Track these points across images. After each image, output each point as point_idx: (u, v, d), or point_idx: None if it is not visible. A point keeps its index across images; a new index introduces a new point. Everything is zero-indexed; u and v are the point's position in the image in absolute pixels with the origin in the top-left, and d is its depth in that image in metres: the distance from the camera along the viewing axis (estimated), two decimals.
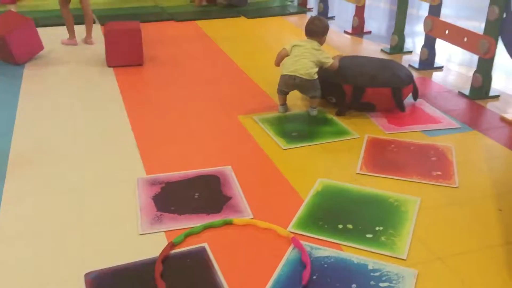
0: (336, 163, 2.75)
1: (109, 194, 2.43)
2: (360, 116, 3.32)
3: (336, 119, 3.27)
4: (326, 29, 3.32)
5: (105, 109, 3.42)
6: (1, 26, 4.18)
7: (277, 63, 3.34)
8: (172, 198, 2.40)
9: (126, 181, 2.53)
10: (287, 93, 3.36)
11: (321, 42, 3.30)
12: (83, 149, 2.87)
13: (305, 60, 3.16)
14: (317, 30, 3.27)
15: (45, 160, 2.75)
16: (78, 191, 2.45)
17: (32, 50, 4.32)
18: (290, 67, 3.19)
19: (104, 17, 5.53)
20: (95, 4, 6.22)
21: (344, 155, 2.83)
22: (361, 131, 3.11)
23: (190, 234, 2.12)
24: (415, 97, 3.55)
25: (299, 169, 2.69)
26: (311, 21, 3.33)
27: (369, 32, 5.49)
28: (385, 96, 3.31)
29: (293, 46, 3.24)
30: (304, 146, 2.93)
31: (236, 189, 2.47)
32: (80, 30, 4.89)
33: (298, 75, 3.15)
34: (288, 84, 3.24)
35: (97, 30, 5.23)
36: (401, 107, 3.35)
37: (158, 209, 2.31)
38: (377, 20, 6.26)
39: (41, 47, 4.40)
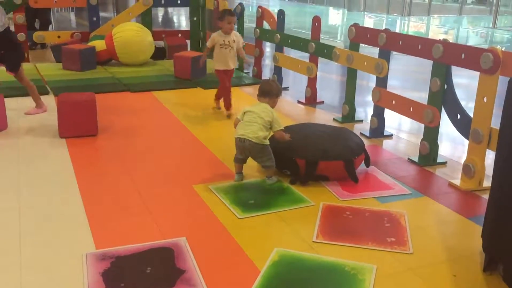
0: (292, 232, 2.73)
1: (55, 272, 2.30)
2: (315, 184, 3.35)
3: (291, 187, 3.29)
4: (279, 91, 3.47)
5: (55, 181, 3.31)
6: None
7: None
8: (122, 273, 2.29)
9: (73, 257, 2.41)
10: (244, 161, 3.39)
11: (273, 105, 3.40)
12: (29, 224, 2.74)
13: (255, 124, 3.23)
14: (270, 91, 3.40)
15: None
16: (20, 269, 2.30)
17: None
18: (239, 130, 3.27)
19: (58, 88, 5.50)
20: (50, 76, 6.21)
21: (300, 223, 2.83)
22: (316, 198, 3.13)
23: None
24: (367, 164, 3.64)
25: (255, 238, 2.65)
26: (266, 82, 3.56)
27: (322, 102, 5.69)
28: (338, 168, 3.36)
29: (244, 112, 3.34)
30: (260, 215, 2.91)
31: (190, 261, 2.39)
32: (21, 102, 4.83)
33: (247, 138, 3.20)
34: (239, 147, 3.28)
35: (51, 101, 5.18)
36: (354, 178, 3.38)
37: (107, 286, 2.19)
38: (329, 91, 6.51)
39: (5, 126, 4.28)
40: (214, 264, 2.40)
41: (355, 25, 4.72)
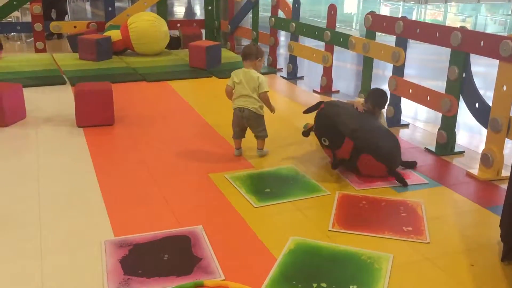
0: (308, 221, 2.73)
1: (74, 258, 2.34)
2: (331, 173, 3.35)
3: (307, 176, 3.29)
4: (259, 53, 3.55)
5: (73, 170, 3.35)
6: None
7: (228, 97, 3.60)
8: (140, 260, 2.32)
9: (92, 244, 2.44)
10: (242, 135, 3.57)
11: (257, 67, 3.53)
12: (49, 212, 2.78)
13: (251, 98, 3.43)
14: (250, 53, 3.50)
15: (9, 225, 2.64)
16: (41, 256, 2.35)
17: (18, 115, 4.26)
18: (238, 102, 3.47)
19: (75, 78, 5.55)
20: (66, 66, 6.26)
21: (316, 212, 2.83)
22: (332, 188, 3.12)
23: None
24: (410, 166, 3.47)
25: (271, 227, 2.66)
26: (247, 45, 3.61)
27: (337, 91, 5.65)
28: (379, 168, 3.23)
29: (234, 82, 3.48)
30: (276, 204, 2.91)
31: (207, 249, 2.41)
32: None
33: (247, 107, 3.43)
34: (238, 117, 3.48)
35: (68, 90, 5.23)
36: (402, 182, 3.19)
37: (125, 272, 2.22)
38: (345, 80, 6.47)
39: (24, 115, 4.34)
40: (231, 252, 2.42)
41: (372, 13, 4.67)
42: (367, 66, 4.81)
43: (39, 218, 2.70)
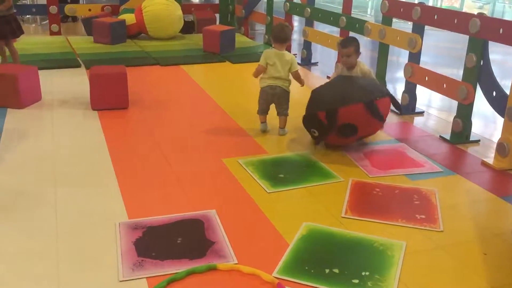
0: (321, 207, 2.73)
1: (89, 239, 2.37)
2: (344, 160, 3.34)
3: (320, 162, 3.28)
4: (291, 35, 3.78)
5: (88, 153, 3.38)
6: (9, 69, 4.23)
7: (256, 76, 3.73)
8: (154, 243, 2.35)
9: (106, 226, 2.48)
10: (267, 111, 3.72)
11: (288, 47, 3.67)
12: (63, 193, 2.82)
13: (282, 78, 3.62)
14: (286, 38, 3.67)
15: (24, 204, 2.68)
16: (56, 236, 2.38)
17: (34, 97, 4.31)
18: (269, 81, 3.62)
19: (90, 61, 5.57)
20: (81, 49, 6.29)
21: (329, 198, 2.83)
22: (346, 174, 3.12)
23: (172, 280, 2.06)
24: (398, 108, 3.63)
25: (284, 212, 2.67)
26: (281, 29, 3.68)
27: None
28: (360, 113, 3.24)
29: (267, 64, 3.61)
30: (289, 189, 2.92)
31: (220, 233, 2.43)
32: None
33: (278, 85, 3.60)
34: (269, 94, 3.63)
35: (82, 73, 5.26)
36: (379, 117, 3.28)
37: (139, 254, 2.25)
38: None
39: (39, 97, 4.38)
40: (243, 236, 2.43)
41: None
42: (382, 52, 4.76)
43: (55, 199, 2.73)
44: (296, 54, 6.64)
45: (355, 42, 3.59)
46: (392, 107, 3.60)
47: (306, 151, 3.45)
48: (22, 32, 5.03)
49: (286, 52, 3.64)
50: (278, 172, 3.13)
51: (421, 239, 2.45)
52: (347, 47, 3.56)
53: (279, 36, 3.62)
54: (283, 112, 3.70)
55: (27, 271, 2.13)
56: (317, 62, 6.29)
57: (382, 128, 3.67)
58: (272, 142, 3.62)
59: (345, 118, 3.25)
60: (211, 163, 3.27)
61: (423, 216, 2.65)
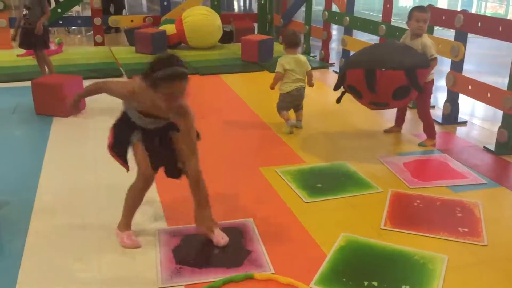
0: (359, 218, 2.70)
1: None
2: (383, 170, 3.29)
3: (359, 173, 3.24)
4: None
5: (128, 161, 3.45)
6: (56, 79, 4.38)
7: (273, 86, 4.01)
8: (192, 251, 2.37)
9: (146, 233, 2.52)
10: (290, 108, 3.99)
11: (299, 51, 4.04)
12: (105, 200, 2.89)
13: (301, 80, 3.93)
14: (298, 42, 3.96)
15: (68, 210, 2.77)
16: (98, 243, 2.45)
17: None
18: (294, 84, 3.90)
19: (132, 71, 5.71)
20: (123, 59, 6.46)
21: (368, 209, 2.78)
22: (385, 185, 3.06)
23: None
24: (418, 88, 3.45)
25: (322, 223, 2.65)
26: (293, 34, 3.97)
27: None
28: (399, 79, 3.26)
29: (286, 69, 3.88)
30: (326, 199, 2.89)
31: (257, 242, 2.43)
32: None
33: (302, 86, 3.93)
34: (296, 96, 3.92)
35: None
36: (418, 88, 3.31)
37: (177, 262, 2.28)
38: None
39: (83, 106, 4.52)
40: (281, 246, 2.43)
41: (430, 6, 4.52)
42: None
43: (96, 206, 2.81)
44: (334, 63, 6.60)
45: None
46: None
47: (343, 161, 3.41)
48: (48, 47, 5.21)
49: (300, 54, 3.94)
50: (316, 182, 3.11)
51: (464, 253, 2.37)
52: (427, 12, 3.55)
53: (293, 42, 3.88)
54: (301, 107, 4.06)
55: (71, 274, 2.19)
56: None
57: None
58: (310, 152, 3.60)
59: (383, 80, 3.27)
60: (249, 172, 3.28)
61: (466, 229, 2.57)
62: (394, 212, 2.75)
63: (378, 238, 2.48)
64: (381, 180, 3.13)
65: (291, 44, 3.87)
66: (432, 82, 3.68)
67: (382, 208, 2.78)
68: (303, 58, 3.93)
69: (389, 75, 3.26)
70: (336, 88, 3.68)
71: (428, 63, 3.44)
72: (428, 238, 2.49)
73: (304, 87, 3.96)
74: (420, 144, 3.74)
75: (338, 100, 3.71)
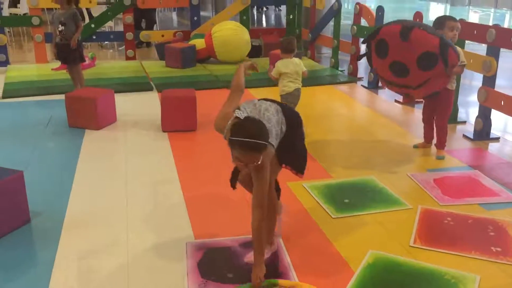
0: (388, 235, 2.66)
1: (158, 258, 2.44)
2: (412, 186, 3.24)
3: (387, 188, 3.20)
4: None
5: (157, 173, 3.51)
6: (89, 93, 4.51)
7: (274, 79, 4.32)
8: (216, 265, 2.38)
9: (174, 245, 2.54)
10: None
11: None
12: (135, 212, 2.93)
13: (298, 80, 4.20)
14: (294, 49, 4.20)
15: (97, 222, 2.82)
16: (127, 254, 2.48)
17: (110, 119, 4.55)
18: (293, 85, 4.16)
19: (162, 85, 5.81)
20: (154, 73, 6.58)
21: (397, 226, 2.74)
22: (414, 201, 3.02)
23: None
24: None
25: (349, 239, 2.62)
26: (290, 41, 4.21)
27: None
28: (431, 42, 3.27)
29: (282, 73, 4.16)
30: (354, 215, 2.86)
31: (284, 257, 2.42)
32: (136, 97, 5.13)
33: (300, 87, 4.20)
34: (296, 95, 4.17)
35: (154, 96, 5.49)
36: (445, 61, 3.31)
37: (202, 275, 2.29)
38: None
39: (115, 119, 4.62)
40: (307, 261, 2.41)
41: (461, 20, 4.46)
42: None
43: (126, 218, 2.85)
44: (362, 78, 6.57)
45: None
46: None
47: (371, 176, 3.38)
48: (83, 60, 5.32)
49: (294, 58, 4.23)
50: (343, 197, 3.09)
51: (497, 273, 2.31)
52: (458, 21, 3.64)
53: (288, 48, 4.20)
54: (295, 105, 4.26)
55: (100, 285, 2.22)
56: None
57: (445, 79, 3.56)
58: (337, 166, 3.58)
59: (417, 37, 3.29)
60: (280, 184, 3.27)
61: (499, 249, 2.50)
62: (423, 229, 2.70)
63: (407, 256, 2.44)
64: (410, 197, 3.09)
65: (286, 50, 4.22)
66: (453, 91, 3.68)
67: (411, 225, 2.74)
68: (297, 61, 4.23)
69: (424, 35, 3.30)
70: (365, 41, 3.69)
71: (459, 57, 3.44)
72: (459, 257, 2.44)
73: (300, 89, 4.22)
74: (438, 158, 3.71)
75: (359, 58, 3.89)
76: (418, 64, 3.35)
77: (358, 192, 3.18)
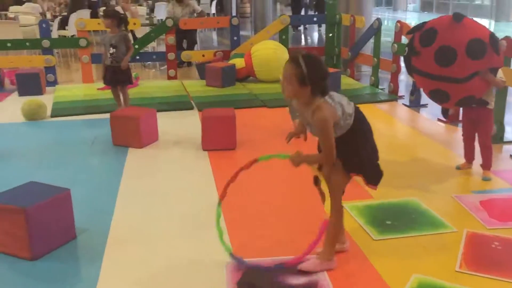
0: (432, 259, 2.58)
1: (198, 278, 2.46)
2: (457, 208, 3.15)
3: (431, 210, 3.12)
4: None
5: (198, 191, 3.55)
6: (132, 112, 4.65)
7: None
8: (257, 285, 2.38)
9: (214, 266, 2.56)
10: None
11: None
12: (176, 230, 2.97)
13: None
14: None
15: (141, 239, 2.87)
16: (168, 272, 2.51)
17: (152, 138, 4.66)
18: None
19: (202, 104, 5.91)
20: (194, 92, 6.70)
21: (441, 250, 2.67)
22: (459, 225, 2.93)
23: None
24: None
25: (392, 262, 2.56)
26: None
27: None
28: (482, 31, 3.35)
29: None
30: (397, 238, 2.80)
31: (325, 281, 2.39)
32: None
33: None
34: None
35: (195, 115, 5.58)
36: (496, 49, 3.36)
37: None
38: None
39: (157, 138, 4.73)
40: (349, 285, 2.37)
41: (507, 38, 4.35)
42: (501, 94, 4.47)
43: (167, 235, 2.89)
44: (403, 96, 6.48)
45: None
46: None
47: (414, 197, 3.31)
48: (132, 83, 5.45)
49: None
50: (385, 219, 3.03)
51: None
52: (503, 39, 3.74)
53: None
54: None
55: None
56: (427, 104, 6.05)
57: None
58: (378, 186, 3.51)
59: (469, 25, 3.38)
60: (316, 206, 3.25)
61: None
62: (470, 254, 2.61)
63: (453, 282, 2.36)
64: (455, 219, 3.00)
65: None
66: (492, 110, 3.64)
67: (457, 249, 2.65)
68: None
69: (476, 24, 3.41)
70: (410, 32, 3.70)
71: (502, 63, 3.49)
72: (508, 284, 2.34)
73: None
74: (485, 179, 3.60)
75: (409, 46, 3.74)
76: (467, 50, 3.30)
77: (400, 213, 3.12)
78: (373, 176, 2.48)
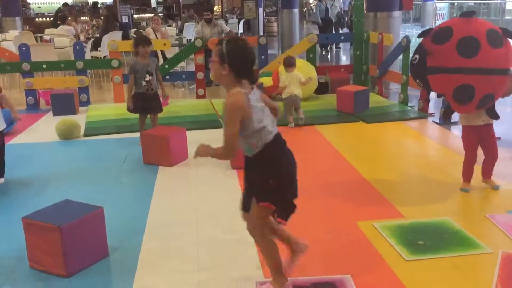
0: (466, 281, 2.53)
1: None
2: (491, 228, 3.07)
3: (464, 230, 3.05)
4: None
5: (227, 210, 3.57)
6: (162, 131, 4.73)
7: (278, 92, 6.03)
8: None
9: (243, 284, 2.57)
10: (292, 112, 5.82)
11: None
12: (205, 248, 2.99)
13: (297, 89, 5.81)
14: (293, 63, 5.89)
15: (172, 257, 2.90)
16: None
17: (181, 156, 4.72)
18: (289, 92, 5.77)
19: None
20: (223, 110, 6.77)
21: (476, 271, 2.61)
22: (494, 245, 2.86)
23: None
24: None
25: (425, 283, 2.52)
26: (290, 58, 5.98)
27: (498, 138, 5.20)
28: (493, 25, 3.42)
29: (286, 84, 5.80)
30: (430, 258, 2.75)
31: None
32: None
33: (295, 93, 5.78)
34: (294, 100, 5.77)
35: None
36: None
37: None
38: (506, 124, 5.94)
39: (186, 156, 4.78)
40: None
41: None
42: None
43: (197, 253, 2.91)
44: (433, 113, 6.40)
45: None
46: None
47: (446, 217, 3.25)
48: (162, 110, 5.36)
49: (294, 72, 5.80)
50: (417, 239, 2.98)
51: None
52: None
53: (290, 63, 5.84)
54: (298, 107, 5.83)
55: None
56: (456, 122, 5.96)
57: None
58: (409, 206, 3.48)
59: (482, 22, 3.47)
60: (346, 225, 3.23)
61: None
62: (506, 276, 2.54)
63: None
64: (490, 240, 2.93)
65: (289, 65, 5.82)
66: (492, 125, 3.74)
67: (492, 271, 2.59)
68: (297, 74, 5.82)
69: (484, 20, 3.50)
70: (420, 35, 3.66)
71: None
72: None
73: (296, 95, 5.72)
74: (496, 188, 3.68)
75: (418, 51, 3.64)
76: (488, 38, 3.31)
77: (432, 233, 3.06)
78: (283, 209, 2.40)
